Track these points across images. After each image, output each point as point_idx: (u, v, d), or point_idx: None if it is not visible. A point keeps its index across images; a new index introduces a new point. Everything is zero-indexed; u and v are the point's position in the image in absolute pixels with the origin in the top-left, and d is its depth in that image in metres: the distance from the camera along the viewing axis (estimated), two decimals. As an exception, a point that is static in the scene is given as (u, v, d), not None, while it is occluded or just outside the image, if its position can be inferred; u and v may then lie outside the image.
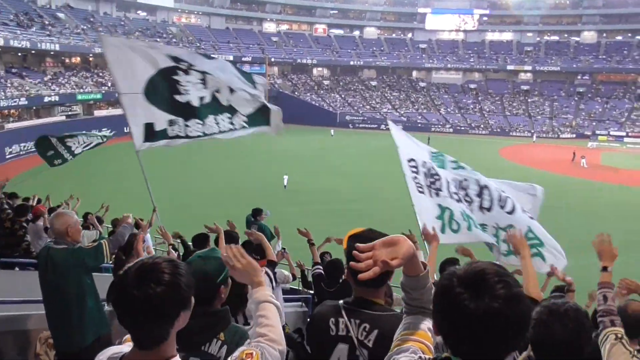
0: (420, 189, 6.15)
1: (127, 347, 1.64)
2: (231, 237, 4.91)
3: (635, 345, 2.74)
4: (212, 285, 2.39)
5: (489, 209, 6.12)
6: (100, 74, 53.39)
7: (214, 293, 2.44)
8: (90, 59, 54.39)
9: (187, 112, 6.79)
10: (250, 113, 7.31)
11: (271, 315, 2.00)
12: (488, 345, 1.31)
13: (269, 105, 7.59)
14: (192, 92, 6.79)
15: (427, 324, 1.74)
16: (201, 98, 6.86)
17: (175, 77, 6.70)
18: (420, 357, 1.52)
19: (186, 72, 6.73)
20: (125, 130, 8.02)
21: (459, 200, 6.11)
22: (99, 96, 49.34)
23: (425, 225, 4.89)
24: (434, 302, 1.41)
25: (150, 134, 6.67)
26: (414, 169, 6.26)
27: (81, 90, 47.98)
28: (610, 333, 2.70)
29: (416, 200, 6.16)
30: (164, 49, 7.05)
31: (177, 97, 6.73)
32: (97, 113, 48.07)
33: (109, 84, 51.79)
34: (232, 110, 7.10)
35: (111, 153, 36.43)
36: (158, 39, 61.49)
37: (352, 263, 1.55)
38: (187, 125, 6.84)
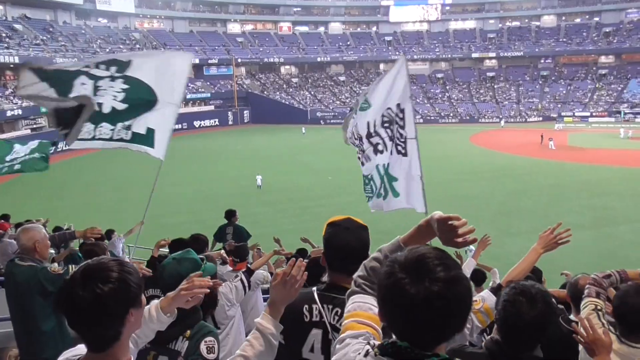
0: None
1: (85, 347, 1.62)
2: (199, 242, 4.85)
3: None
4: None
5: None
6: (64, 85, 52.32)
7: None
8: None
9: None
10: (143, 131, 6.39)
11: (257, 346, 1.98)
12: (432, 328, 1.32)
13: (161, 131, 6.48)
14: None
15: (373, 301, 1.74)
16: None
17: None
18: (369, 343, 1.53)
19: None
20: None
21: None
22: (63, 107, 48.31)
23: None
24: (377, 290, 1.42)
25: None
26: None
27: (45, 102, 46.94)
28: (590, 303, 2.78)
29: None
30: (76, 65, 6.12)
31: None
32: (63, 124, 47.17)
33: (74, 94, 50.79)
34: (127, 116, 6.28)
35: (79, 164, 35.84)
36: (121, 46, 60.52)
37: (460, 230, 1.62)
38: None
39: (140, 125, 6.23)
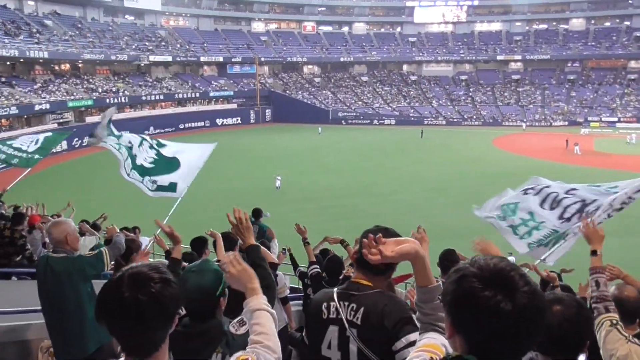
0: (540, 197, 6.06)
1: None
2: (230, 241, 4.87)
3: (631, 329, 2.74)
4: (213, 299, 2.37)
5: (568, 220, 5.80)
6: (91, 80, 53.19)
7: (215, 306, 2.43)
8: (80, 65, 54.16)
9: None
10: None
11: (265, 322, 2.00)
12: (517, 340, 1.33)
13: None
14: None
15: (442, 340, 1.78)
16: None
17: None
18: (432, 357, 1.54)
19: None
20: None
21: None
22: (90, 102, 49.15)
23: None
24: (453, 306, 1.39)
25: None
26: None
27: (72, 97, 47.80)
28: (605, 319, 2.70)
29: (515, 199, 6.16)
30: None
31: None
32: (89, 119, 47.88)
33: (100, 90, 51.62)
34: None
35: (103, 160, 36.41)
36: (147, 43, 61.28)
37: (363, 250, 1.83)
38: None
39: (163, 180, 8.37)
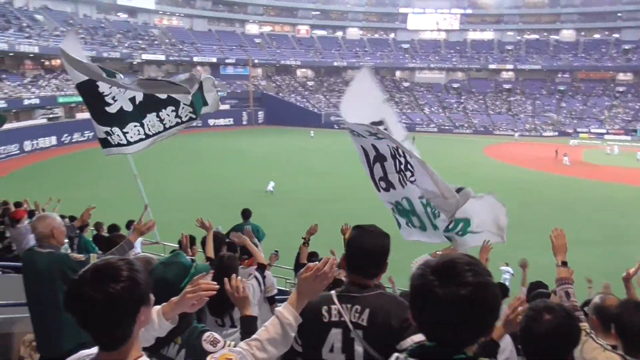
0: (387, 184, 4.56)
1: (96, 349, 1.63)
2: (217, 240, 4.88)
3: (608, 339, 2.75)
4: (173, 291, 2.37)
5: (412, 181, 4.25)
6: (81, 77, 52.73)
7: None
8: (71, 61, 53.68)
9: (121, 119, 6.50)
10: (192, 101, 6.50)
11: (272, 333, 2.04)
12: (458, 329, 1.39)
13: (203, 81, 6.52)
14: (120, 98, 6.45)
15: None
16: (131, 99, 6.44)
17: (100, 90, 6.49)
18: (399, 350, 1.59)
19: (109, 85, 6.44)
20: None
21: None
22: (80, 99, 48.27)
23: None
24: (410, 292, 1.47)
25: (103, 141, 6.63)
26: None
27: (62, 93, 47.36)
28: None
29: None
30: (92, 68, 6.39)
31: (108, 109, 6.49)
32: (79, 115, 47.44)
33: (91, 87, 51.22)
34: (174, 102, 6.47)
35: (86, 157, 36.11)
36: (140, 41, 61.02)
37: None
38: (125, 132, 6.54)
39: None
